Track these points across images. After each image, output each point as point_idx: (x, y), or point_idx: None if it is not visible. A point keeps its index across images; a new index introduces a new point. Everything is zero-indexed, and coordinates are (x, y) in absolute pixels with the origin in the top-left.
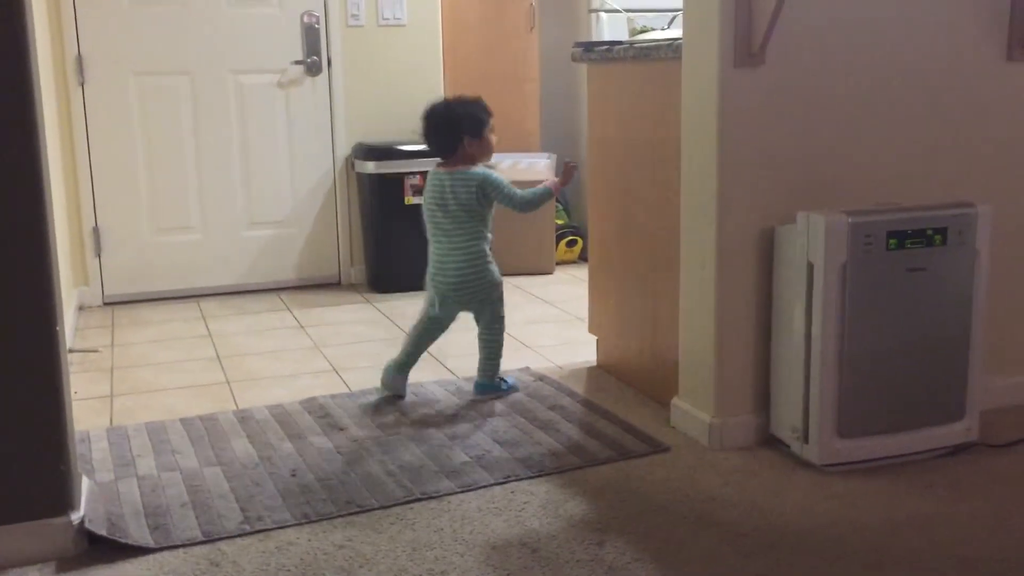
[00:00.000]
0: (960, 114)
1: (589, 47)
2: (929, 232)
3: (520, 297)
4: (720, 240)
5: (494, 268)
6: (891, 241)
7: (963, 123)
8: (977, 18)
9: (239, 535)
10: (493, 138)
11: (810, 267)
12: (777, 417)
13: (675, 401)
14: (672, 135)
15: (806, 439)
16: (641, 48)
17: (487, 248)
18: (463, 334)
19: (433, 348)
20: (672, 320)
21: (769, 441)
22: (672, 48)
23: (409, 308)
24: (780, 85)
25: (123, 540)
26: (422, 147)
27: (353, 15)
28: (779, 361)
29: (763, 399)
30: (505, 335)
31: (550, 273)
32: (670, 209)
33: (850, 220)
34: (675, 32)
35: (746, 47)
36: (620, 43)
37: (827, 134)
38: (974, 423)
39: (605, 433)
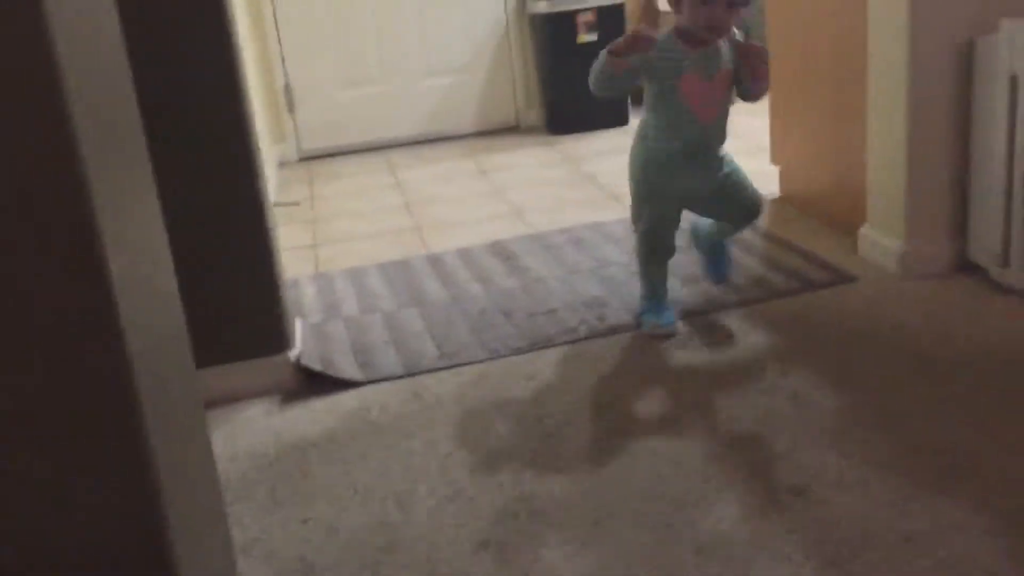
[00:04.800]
0: None
1: None
2: None
3: None
4: (912, 54)
5: (636, 157)
6: None
7: None
8: None
9: (436, 369)
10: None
11: (1014, 80)
12: (974, 241)
13: (863, 230)
14: None
15: (1006, 263)
16: None
17: (642, 136)
18: None
19: (610, 186)
20: (860, 144)
21: (965, 268)
22: None
23: (585, 148)
24: None
25: (336, 375)
26: None
27: None
28: (978, 181)
29: (959, 223)
30: (645, 264)
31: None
32: (854, 25)
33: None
34: None
35: None
36: None
37: None
38: None
39: (788, 265)
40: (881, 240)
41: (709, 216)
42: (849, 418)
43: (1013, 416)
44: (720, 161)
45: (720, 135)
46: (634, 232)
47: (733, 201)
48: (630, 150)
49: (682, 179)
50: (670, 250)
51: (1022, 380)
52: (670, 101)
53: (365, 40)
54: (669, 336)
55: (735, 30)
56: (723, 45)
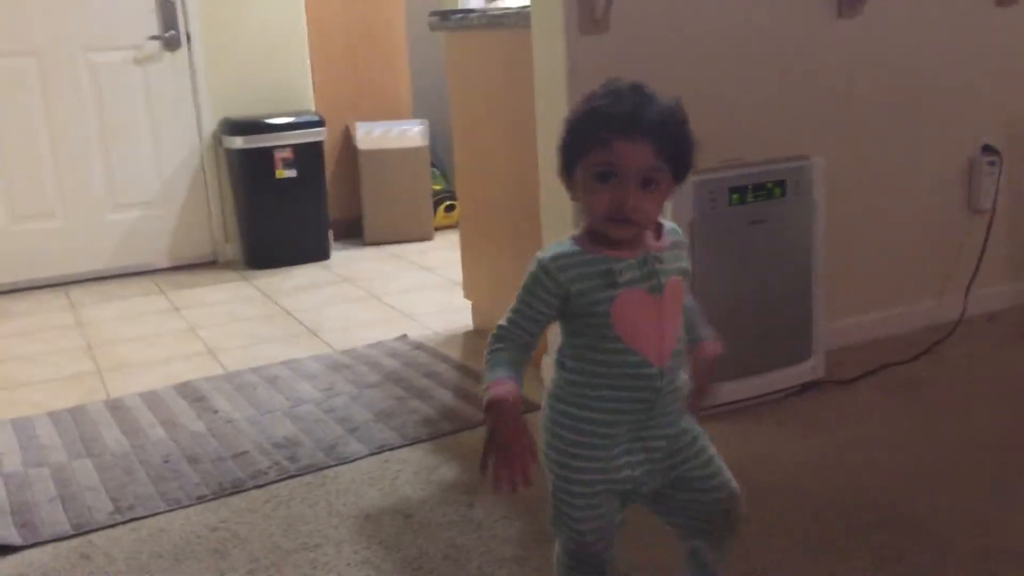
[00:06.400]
0: (797, 70)
1: (445, 15)
2: (769, 185)
3: (398, 265)
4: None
5: (551, 431)
6: (733, 196)
7: (801, 79)
8: None
9: (110, 526)
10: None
11: None
12: None
13: (544, 359)
14: (527, 102)
15: None
16: (493, 16)
17: (558, 400)
18: (341, 306)
19: (309, 322)
20: None
21: None
22: (523, 16)
23: (284, 283)
24: (626, 50)
25: None
26: (290, 119)
27: None
28: None
29: None
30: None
31: (429, 239)
32: (530, 174)
33: (693, 179)
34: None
35: (590, 14)
36: (473, 11)
37: (674, 95)
38: (820, 362)
39: (478, 396)
40: None
41: (664, 518)
42: (530, 543)
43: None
44: (679, 427)
45: (678, 382)
46: (553, 535)
47: (696, 491)
48: (543, 417)
49: (622, 461)
50: (604, 564)
51: None
52: (600, 340)
53: (41, 169)
54: None
55: (669, 223)
56: (665, 240)
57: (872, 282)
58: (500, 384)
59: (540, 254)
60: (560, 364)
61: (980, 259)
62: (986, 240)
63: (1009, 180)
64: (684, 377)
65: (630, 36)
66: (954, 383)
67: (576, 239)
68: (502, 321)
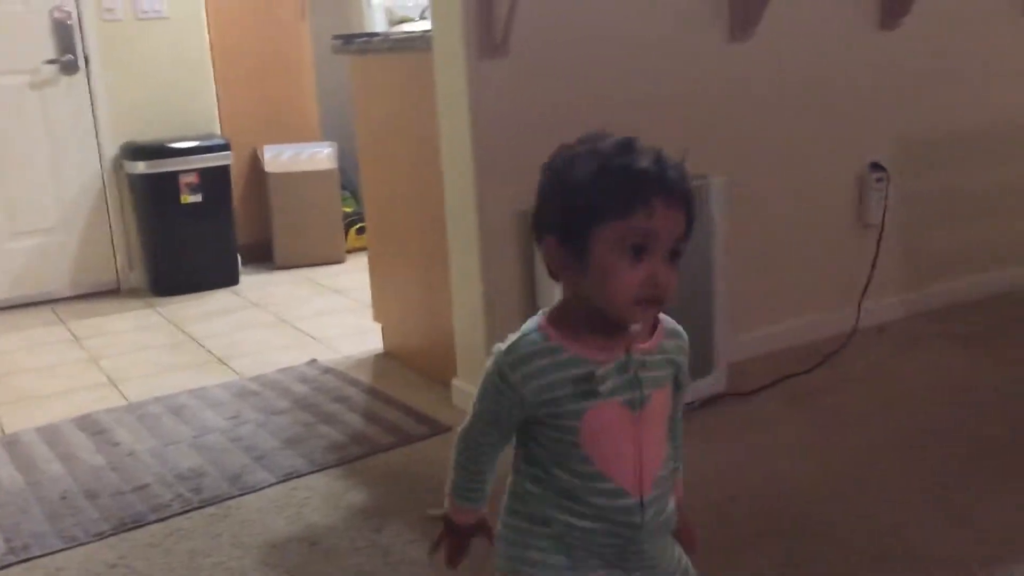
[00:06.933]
0: (693, 93)
1: (348, 39)
2: None
3: (309, 289)
4: (481, 224)
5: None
6: None
7: (696, 101)
8: (703, 4)
9: (3, 567)
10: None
11: None
12: None
13: (455, 381)
14: (431, 125)
15: None
16: (396, 40)
17: (519, 494)
18: (251, 331)
19: (217, 349)
20: (447, 303)
21: None
22: (425, 40)
23: (191, 310)
24: (526, 74)
25: None
26: (195, 143)
27: (108, 9)
28: None
29: None
30: None
31: (341, 262)
32: (437, 196)
33: None
34: (428, 23)
35: (490, 38)
36: (377, 35)
37: (573, 118)
38: (722, 376)
39: (388, 420)
40: (470, 390)
41: None
42: (438, 566)
43: None
44: (669, 559)
45: (662, 516)
46: None
47: None
48: (497, 531)
49: None
50: None
51: None
52: (565, 458)
53: None
54: None
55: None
56: (656, 336)
57: (769, 296)
58: (464, 514)
59: (499, 351)
60: (516, 469)
61: (871, 272)
62: (876, 254)
63: (896, 196)
64: (672, 506)
65: (530, 60)
66: (850, 392)
67: (545, 327)
68: (467, 425)
